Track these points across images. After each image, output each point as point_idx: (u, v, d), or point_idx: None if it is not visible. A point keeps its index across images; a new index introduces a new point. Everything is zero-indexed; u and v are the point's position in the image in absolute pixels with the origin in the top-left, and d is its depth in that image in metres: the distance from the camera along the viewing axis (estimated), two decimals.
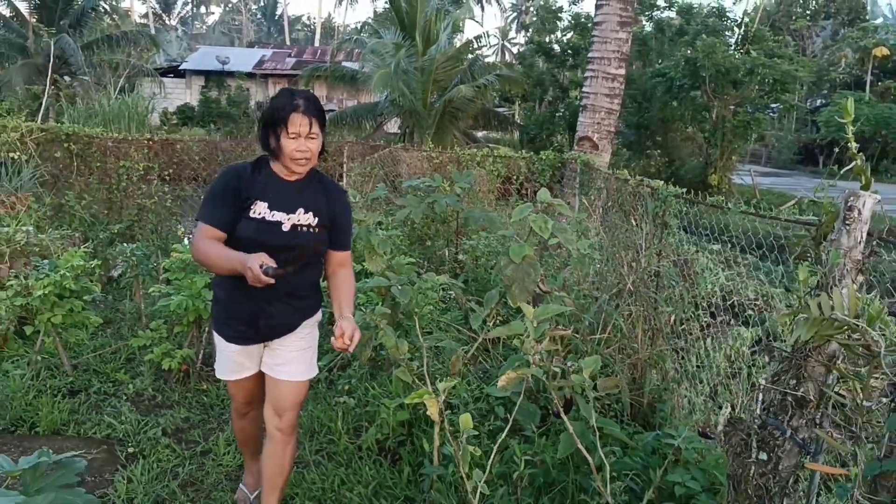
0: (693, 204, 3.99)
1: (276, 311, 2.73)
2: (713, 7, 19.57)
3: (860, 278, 2.41)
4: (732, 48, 17.82)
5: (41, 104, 16.77)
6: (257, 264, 2.41)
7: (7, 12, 22.34)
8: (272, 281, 2.42)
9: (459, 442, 2.60)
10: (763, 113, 17.86)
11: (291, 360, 2.82)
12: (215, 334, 2.89)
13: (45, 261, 4.63)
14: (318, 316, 2.95)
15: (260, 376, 2.91)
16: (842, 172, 2.57)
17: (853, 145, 2.36)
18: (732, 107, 17.31)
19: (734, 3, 23.33)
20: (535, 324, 2.43)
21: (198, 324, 4.46)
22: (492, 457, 2.70)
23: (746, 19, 19.64)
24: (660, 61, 19.03)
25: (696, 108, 17.53)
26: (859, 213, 2.35)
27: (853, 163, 2.36)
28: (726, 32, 18.49)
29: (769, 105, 18.06)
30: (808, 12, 39.01)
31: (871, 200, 2.35)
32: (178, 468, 3.57)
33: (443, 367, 4.16)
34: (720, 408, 3.88)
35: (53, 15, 21.41)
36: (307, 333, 2.86)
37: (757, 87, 16.92)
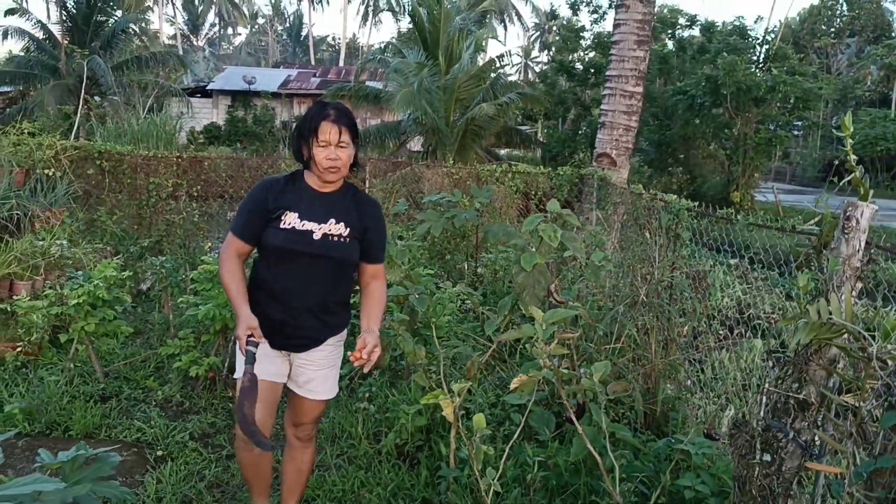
0: (703, 217, 4.09)
1: (304, 322, 2.75)
2: (735, 25, 19.64)
3: (858, 285, 2.51)
4: (755, 66, 17.85)
5: (72, 123, 17.21)
6: (245, 333, 2.52)
7: (40, 35, 22.87)
8: (250, 349, 2.52)
9: (473, 441, 2.71)
10: (786, 130, 17.85)
11: (314, 378, 2.85)
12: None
13: (80, 272, 4.82)
14: (345, 334, 2.96)
15: (277, 392, 2.86)
16: (840, 184, 2.67)
17: (852, 158, 2.47)
18: (754, 124, 17.33)
19: (756, 22, 23.32)
20: (543, 326, 2.54)
21: (224, 333, 4.61)
22: (504, 457, 2.81)
23: (771, 36, 19.68)
24: (681, 79, 19.09)
25: (718, 126, 17.57)
26: (857, 222, 2.45)
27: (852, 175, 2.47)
28: (749, 51, 18.52)
29: (792, 122, 18.05)
30: (832, 30, 38.90)
31: (869, 210, 2.46)
32: (205, 470, 3.71)
33: (460, 375, 4.28)
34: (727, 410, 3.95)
35: (85, 37, 21.86)
36: (331, 351, 2.88)
37: (779, 104, 16.93)
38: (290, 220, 2.69)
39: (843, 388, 2.49)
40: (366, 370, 2.61)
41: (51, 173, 6.82)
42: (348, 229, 2.74)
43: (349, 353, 2.62)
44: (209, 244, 7.52)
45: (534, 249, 3.25)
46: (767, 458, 2.60)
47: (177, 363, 4.57)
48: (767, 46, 18.82)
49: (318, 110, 2.71)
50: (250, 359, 2.53)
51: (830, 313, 2.33)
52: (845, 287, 2.46)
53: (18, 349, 4.78)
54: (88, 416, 4.13)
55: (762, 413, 2.74)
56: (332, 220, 2.73)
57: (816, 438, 2.54)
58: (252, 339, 2.53)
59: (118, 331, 4.72)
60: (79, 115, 10.52)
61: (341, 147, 2.68)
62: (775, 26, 21.22)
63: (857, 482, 2.17)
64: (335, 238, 2.72)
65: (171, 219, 7.74)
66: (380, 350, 2.62)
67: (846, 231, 2.47)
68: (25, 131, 7.22)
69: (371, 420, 4.12)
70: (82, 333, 4.49)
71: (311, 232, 2.70)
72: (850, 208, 2.46)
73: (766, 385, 2.78)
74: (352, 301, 3.31)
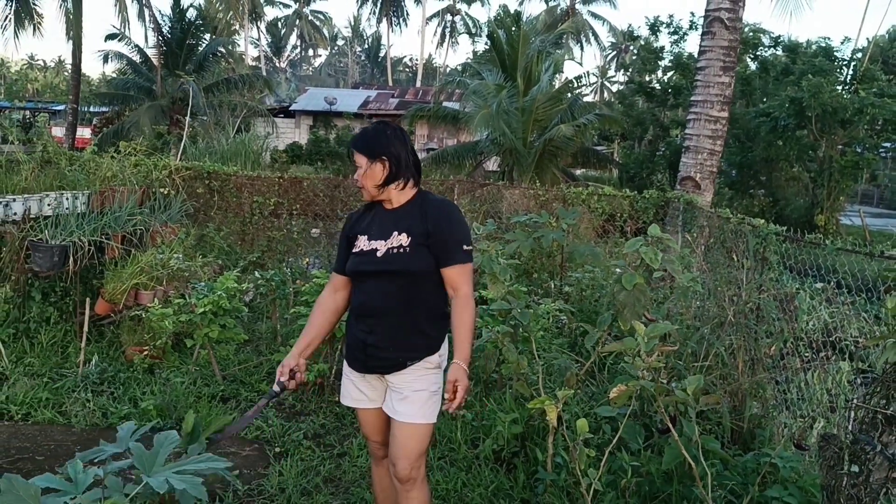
0: (791, 241, 4.25)
1: (384, 343, 2.76)
2: (820, 46, 19.32)
3: None
4: (841, 87, 17.53)
5: (165, 142, 18.13)
6: (287, 370, 2.79)
7: (137, 58, 24.11)
8: (275, 388, 2.81)
9: (576, 444, 2.96)
10: (873, 153, 17.45)
11: (402, 399, 2.77)
12: (345, 361, 2.98)
13: (202, 283, 5.29)
14: (436, 360, 2.83)
15: (372, 416, 2.95)
16: None
17: None
18: (840, 146, 17.01)
19: (842, 43, 22.71)
20: (645, 339, 2.78)
21: (331, 342, 4.97)
22: (604, 459, 3.05)
23: (858, 55, 19.25)
24: (764, 100, 18.88)
25: (802, 148, 17.29)
26: None
27: None
28: (835, 72, 18.16)
29: (880, 145, 17.63)
30: None
31: None
32: (320, 466, 4.06)
33: (553, 386, 4.53)
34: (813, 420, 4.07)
35: (178, 60, 22.94)
36: (421, 376, 2.78)
37: (866, 126, 16.59)
38: (361, 243, 2.81)
39: None
40: (450, 410, 2.63)
41: (166, 192, 7.38)
42: (410, 238, 2.73)
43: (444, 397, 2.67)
44: (307, 259, 7.99)
45: (630, 270, 3.49)
46: (855, 469, 2.77)
47: None
48: (855, 65, 18.40)
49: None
50: (269, 394, 2.82)
51: None
52: None
53: (145, 352, 5.25)
54: (212, 414, 4.54)
55: (850, 427, 2.91)
56: (395, 233, 2.76)
57: None
58: (280, 380, 2.76)
59: (235, 338, 5.15)
60: (185, 136, 11.19)
61: (358, 169, 2.82)
62: (863, 46, 20.71)
63: None
64: (396, 250, 2.73)
65: (272, 235, 8.27)
66: (465, 385, 2.62)
67: None
68: (139, 152, 7.81)
69: (468, 427, 4.41)
70: (205, 339, 4.93)
71: (376, 250, 2.76)
72: None
73: (855, 401, 2.94)
74: None
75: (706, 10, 8.98)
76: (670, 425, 2.98)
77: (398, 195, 2.83)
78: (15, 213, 5.53)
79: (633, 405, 3.98)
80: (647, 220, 8.36)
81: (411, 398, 2.76)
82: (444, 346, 2.89)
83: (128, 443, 2.56)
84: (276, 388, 2.79)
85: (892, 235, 17.37)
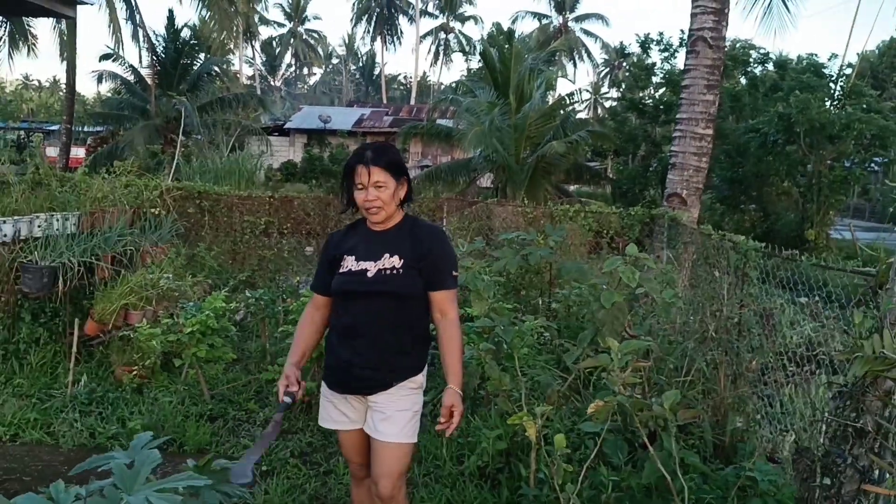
0: (770, 257, 4.31)
1: (369, 363, 2.77)
2: (809, 63, 19.51)
3: None
4: (829, 103, 17.68)
5: (159, 161, 18.17)
6: (283, 385, 2.77)
7: (131, 78, 24.21)
8: (286, 399, 2.77)
9: (554, 459, 3.01)
10: (862, 168, 17.59)
11: (385, 419, 2.79)
12: (323, 383, 3.01)
13: (191, 303, 5.34)
14: (420, 380, 2.89)
15: (355, 438, 2.96)
16: None
17: None
18: (829, 161, 17.14)
19: (829, 59, 23.02)
20: (619, 355, 2.84)
21: (319, 360, 5.01)
22: (582, 473, 3.09)
23: (847, 70, 19.43)
24: (753, 116, 19.03)
25: (792, 163, 17.42)
26: None
27: None
28: (823, 88, 18.32)
29: (869, 160, 17.77)
30: None
31: None
32: (306, 485, 4.09)
33: (538, 403, 4.57)
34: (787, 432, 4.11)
35: (172, 79, 23.03)
36: (404, 396, 2.82)
37: (854, 142, 16.72)
38: (349, 263, 2.79)
39: None
40: (447, 434, 2.74)
41: (157, 212, 7.44)
42: (402, 260, 2.75)
43: (439, 420, 2.76)
44: (298, 278, 8.03)
45: (611, 288, 3.55)
46: (828, 481, 2.83)
47: (276, 388, 4.98)
48: (842, 83, 18.56)
49: (354, 154, 2.78)
50: (281, 407, 2.79)
51: (884, 348, 2.57)
52: None
53: (134, 372, 5.29)
54: (200, 433, 4.58)
55: (822, 440, 2.96)
56: (387, 255, 2.76)
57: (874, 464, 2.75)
58: (288, 390, 2.74)
59: (224, 356, 5.20)
60: (177, 156, 11.28)
61: (378, 187, 2.70)
62: (849, 63, 20.90)
63: None
64: (388, 272, 2.74)
65: (262, 254, 8.34)
66: (460, 410, 2.72)
67: None
68: (131, 172, 7.88)
69: (454, 443, 4.45)
70: (194, 359, 4.97)
71: (366, 271, 2.75)
72: None
73: (826, 414, 3.00)
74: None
75: (690, 30, 9.11)
76: (646, 440, 3.03)
77: (394, 216, 2.85)
78: (5, 235, 5.57)
79: (617, 420, 4.04)
80: (634, 236, 8.44)
81: (394, 418, 2.79)
82: (425, 367, 2.93)
83: (139, 452, 2.59)
84: (287, 399, 2.79)
85: (877, 249, 17.43)
